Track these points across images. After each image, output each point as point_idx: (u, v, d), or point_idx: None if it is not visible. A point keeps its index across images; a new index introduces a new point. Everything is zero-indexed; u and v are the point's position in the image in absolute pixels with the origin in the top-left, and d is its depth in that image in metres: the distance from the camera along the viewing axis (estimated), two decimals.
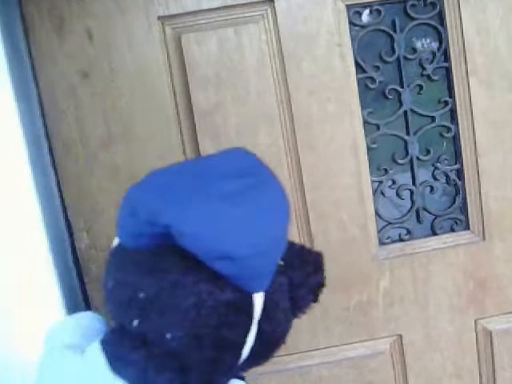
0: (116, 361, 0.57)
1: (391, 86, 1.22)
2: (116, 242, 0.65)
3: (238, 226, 0.56)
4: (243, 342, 0.60)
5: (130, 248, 0.61)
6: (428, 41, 1.24)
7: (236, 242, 0.56)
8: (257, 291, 0.59)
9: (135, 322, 0.58)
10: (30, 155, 0.67)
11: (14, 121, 0.64)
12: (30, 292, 0.62)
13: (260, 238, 0.57)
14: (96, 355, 0.60)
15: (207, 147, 1.17)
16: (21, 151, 0.67)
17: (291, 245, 0.68)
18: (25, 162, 0.67)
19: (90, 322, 0.76)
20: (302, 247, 0.71)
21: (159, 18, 1.13)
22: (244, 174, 0.61)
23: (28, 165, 0.68)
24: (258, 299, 0.59)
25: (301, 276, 0.64)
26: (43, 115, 1.13)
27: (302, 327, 1.27)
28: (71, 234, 1.17)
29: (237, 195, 0.57)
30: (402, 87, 1.22)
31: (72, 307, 0.89)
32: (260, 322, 0.60)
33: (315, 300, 0.67)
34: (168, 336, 0.57)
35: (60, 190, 1.16)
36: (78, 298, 1.01)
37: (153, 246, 0.59)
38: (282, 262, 0.65)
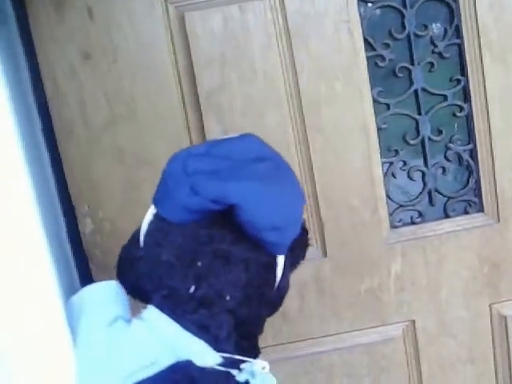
0: (181, 321, 0.66)
1: (401, 64, 1.18)
2: (150, 215, 0.69)
3: (281, 203, 0.66)
4: (272, 298, 0.72)
5: (175, 222, 0.67)
6: (438, 25, 1.20)
7: (282, 216, 0.66)
8: (281, 254, 0.70)
9: (192, 288, 0.66)
10: (22, 141, 0.64)
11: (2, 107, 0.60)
12: (25, 286, 0.59)
13: (293, 212, 0.69)
14: (155, 319, 0.67)
15: (213, 128, 1.14)
16: (10, 137, 0.63)
17: None
18: (15, 148, 0.64)
19: (119, 289, 0.75)
20: None
21: None
22: (263, 158, 0.67)
23: (19, 151, 0.64)
24: (281, 260, 0.70)
25: (296, 240, 0.71)
26: (45, 98, 1.11)
27: (312, 313, 1.25)
28: (73, 221, 1.14)
29: (271, 177, 0.66)
30: (413, 65, 1.18)
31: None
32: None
33: (304, 257, 0.78)
34: (227, 297, 0.67)
35: (63, 175, 1.13)
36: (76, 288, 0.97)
37: (197, 219, 0.67)
38: None
